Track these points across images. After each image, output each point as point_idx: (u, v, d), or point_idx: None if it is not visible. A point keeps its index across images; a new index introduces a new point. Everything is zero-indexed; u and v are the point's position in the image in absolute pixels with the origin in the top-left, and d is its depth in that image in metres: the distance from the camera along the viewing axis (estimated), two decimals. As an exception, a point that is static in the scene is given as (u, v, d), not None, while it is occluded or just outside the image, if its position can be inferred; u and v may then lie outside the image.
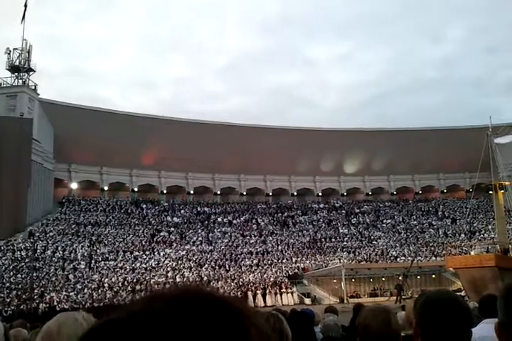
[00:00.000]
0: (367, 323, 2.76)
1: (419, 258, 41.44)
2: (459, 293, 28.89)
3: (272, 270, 42.17)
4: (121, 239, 44.63)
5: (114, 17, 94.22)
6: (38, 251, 39.58)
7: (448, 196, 60.81)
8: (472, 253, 33.84)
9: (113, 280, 37.31)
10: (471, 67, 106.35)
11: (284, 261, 44.46)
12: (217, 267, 42.12)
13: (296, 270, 42.84)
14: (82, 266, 39.04)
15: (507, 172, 38.00)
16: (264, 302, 36.74)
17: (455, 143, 53.70)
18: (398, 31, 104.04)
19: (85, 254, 40.86)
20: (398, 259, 45.03)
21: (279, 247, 47.44)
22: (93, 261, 40.17)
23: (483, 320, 4.72)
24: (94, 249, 42.23)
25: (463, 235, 49.78)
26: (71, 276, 37.03)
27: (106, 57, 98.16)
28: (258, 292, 37.64)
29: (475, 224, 51.93)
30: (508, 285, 1.42)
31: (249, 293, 37.27)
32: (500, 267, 26.03)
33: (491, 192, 35.73)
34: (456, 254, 37.02)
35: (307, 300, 37.94)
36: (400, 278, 37.45)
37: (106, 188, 53.19)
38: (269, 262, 43.88)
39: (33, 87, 46.73)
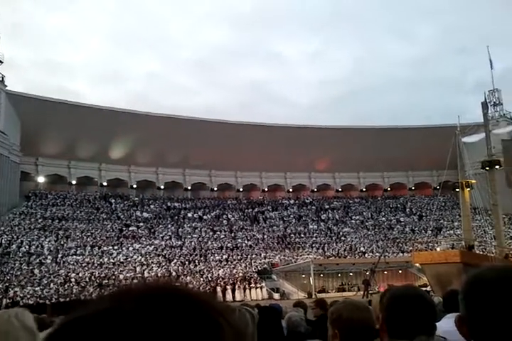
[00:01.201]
0: (347, 316, 2.75)
1: (387, 254, 42.04)
2: (424, 288, 29.42)
3: (241, 265, 42.23)
4: (89, 234, 44.03)
5: (84, 8, 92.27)
6: (3, 245, 38.79)
7: (416, 193, 61.90)
8: (438, 249, 34.50)
9: (80, 275, 36.80)
10: (441, 67, 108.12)
11: (254, 256, 44.56)
12: (186, 262, 41.95)
13: (266, 265, 43.00)
14: (49, 261, 38.39)
15: (473, 170, 38.79)
16: (233, 297, 36.78)
17: (424, 142, 54.58)
18: (370, 29, 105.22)
19: (52, 249, 40.20)
20: (366, 255, 45.62)
21: (249, 242, 47.53)
22: (60, 256, 39.54)
23: (447, 314, 4.81)
24: (62, 243, 41.57)
25: (429, 231, 50.63)
26: (37, 271, 36.37)
27: (75, 49, 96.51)
28: (227, 287, 37.66)
29: (441, 221, 52.99)
30: (467, 280, 1.45)
31: (219, 288, 37.27)
32: (465, 263, 26.54)
33: (457, 189, 36.40)
34: (423, 250, 37.67)
35: (276, 295, 38.12)
36: (368, 273, 37.93)
37: (74, 182, 52.35)
38: (238, 257, 43.92)
39: (0, 79, 45.58)
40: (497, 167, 36.21)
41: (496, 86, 55.63)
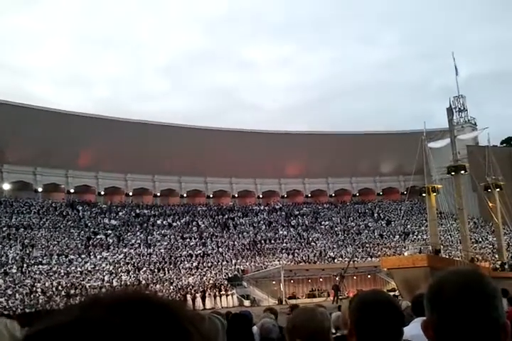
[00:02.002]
0: (295, 323, 2.75)
1: (356, 259, 42.43)
2: (393, 293, 29.80)
3: (211, 272, 42.00)
4: (55, 242, 43.14)
5: (45, 10, 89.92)
6: (-35, 255, 37.70)
7: (384, 198, 62.69)
8: (406, 254, 34.95)
9: (46, 284, 36.00)
10: (408, 73, 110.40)
11: (224, 263, 44.38)
12: (156, 270, 41.49)
13: (236, 272, 42.87)
14: (14, 271, 37.42)
15: (439, 175, 39.56)
16: (204, 305, 36.51)
17: (391, 147, 55.45)
18: (338, 36, 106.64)
19: (17, 258, 39.21)
20: (336, 260, 45.94)
21: (219, 249, 47.33)
22: (25, 265, 38.61)
23: (415, 318, 4.87)
24: (27, 252, 40.61)
25: (397, 236, 51.39)
26: (1, 281, 35.42)
27: (37, 52, 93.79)
28: (197, 295, 37.37)
29: (409, 226, 53.77)
30: (431, 284, 1.48)
31: (189, 296, 36.94)
32: (432, 267, 26.98)
33: (424, 194, 37.04)
34: (391, 255, 38.15)
35: (246, 302, 38.02)
36: (337, 278, 38.19)
37: (40, 189, 51.23)
38: (208, 264, 43.69)
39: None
40: (462, 172, 37.04)
41: (461, 92, 56.96)
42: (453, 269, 1.58)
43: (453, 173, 36.90)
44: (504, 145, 65.01)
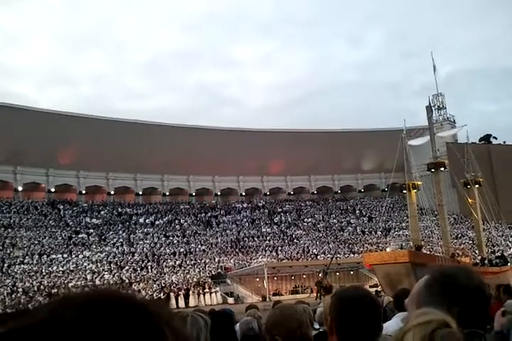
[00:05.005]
0: (273, 321, 2.81)
1: (338, 255, 42.71)
2: (375, 289, 30.11)
3: (195, 270, 41.95)
4: (36, 242, 42.70)
5: (28, 7, 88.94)
6: None
7: (365, 195, 63.20)
8: (387, 250, 35.29)
9: (27, 284, 35.63)
10: (388, 71, 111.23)
11: (208, 261, 44.35)
12: (138, 269, 41.31)
13: (220, 269, 42.88)
14: (-6, 271, 36.98)
15: (419, 172, 39.95)
16: (187, 303, 36.46)
17: (372, 145, 55.88)
18: (320, 33, 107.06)
19: (-3, 258, 38.76)
20: (318, 257, 46.19)
21: (203, 247, 47.28)
22: (6, 265, 38.15)
23: (397, 313, 4.99)
24: (8, 252, 40.13)
25: (379, 232, 51.87)
26: (-19, 282, 34.98)
27: (18, 49, 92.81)
28: (181, 293, 37.31)
29: (390, 222, 54.32)
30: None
31: (172, 294, 36.86)
32: (413, 263, 27.29)
33: (404, 191, 37.41)
34: (373, 251, 38.48)
35: (230, 300, 38.07)
36: (320, 275, 38.41)
37: (20, 188, 50.64)
38: (192, 262, 43.62)
39: None
40: (442, 169, 37.48)
41: (442, 89, 57.64)
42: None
43: (433, 170, 37.32)
44: (483, 142, 65.88)
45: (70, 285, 36.40)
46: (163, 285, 38.59)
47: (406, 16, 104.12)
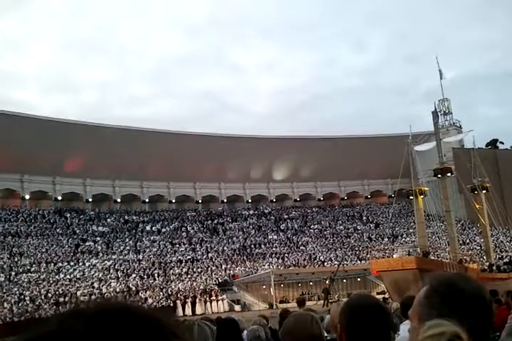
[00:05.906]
0: (289, 328, 2.82)
1: (345, 262, 42.55)
2: (382, 296, 29.96)
3: (201, 278, 41.86)
4: (43, 250, 42.79)
5: (31, 14, 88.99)
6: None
7: (371, 201, 62.99)
8: (395, 256, 35.14)
9: (35, 292, 35.67)
10: (393, 76, 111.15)
11: (214, 268, 44.26)
12: (145, 276, 41.27)
13: (226, 277, 42.77)
14: (2, 279, 37.02)
15: (426, 178, 39.93)
16: (194, 311, 36.38)
17: (378, 151, 55.76)
18: (324, 38, 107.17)
19: (5, 266, 38.82)
20: (325, 264, 46.01)
21: (209, 255, 47.20)
22: (13, 274, 38.23)
23: (404, 321, 4.95)
24: (15, 260, 40.24)
25: (386, 239, 51.65)
26: (-11, 290, 35.05)
27: (22, 56, 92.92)
28: (187, 300, 37.22)
29: (397, 228, 54.08)
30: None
31: (179, 302, 36.80)
32: (420, 269, 27.18)
33: (411, 197, 37.30)
34: (380, 258, 38.33)
35: (237, 307, 37.93)
36: (327, 282, 38.25)
37: (27, 197, 50.85)
38: (198, 270, 43.54)
39: None
40: (448, 174, 37.38)
41: (448, 93, 57.50)
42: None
43: (439, 176, 37.21)
44: (489, 147, 65.68)
45: (77, 293, 36.42)
46: (169, 292, 38.53)
47: (411, 19, 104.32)
